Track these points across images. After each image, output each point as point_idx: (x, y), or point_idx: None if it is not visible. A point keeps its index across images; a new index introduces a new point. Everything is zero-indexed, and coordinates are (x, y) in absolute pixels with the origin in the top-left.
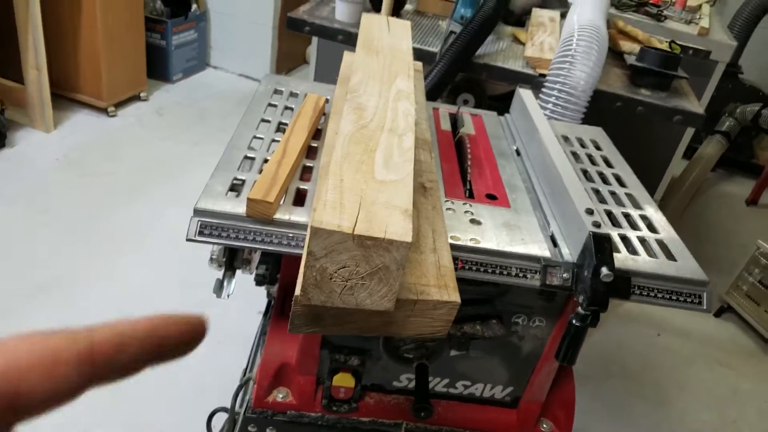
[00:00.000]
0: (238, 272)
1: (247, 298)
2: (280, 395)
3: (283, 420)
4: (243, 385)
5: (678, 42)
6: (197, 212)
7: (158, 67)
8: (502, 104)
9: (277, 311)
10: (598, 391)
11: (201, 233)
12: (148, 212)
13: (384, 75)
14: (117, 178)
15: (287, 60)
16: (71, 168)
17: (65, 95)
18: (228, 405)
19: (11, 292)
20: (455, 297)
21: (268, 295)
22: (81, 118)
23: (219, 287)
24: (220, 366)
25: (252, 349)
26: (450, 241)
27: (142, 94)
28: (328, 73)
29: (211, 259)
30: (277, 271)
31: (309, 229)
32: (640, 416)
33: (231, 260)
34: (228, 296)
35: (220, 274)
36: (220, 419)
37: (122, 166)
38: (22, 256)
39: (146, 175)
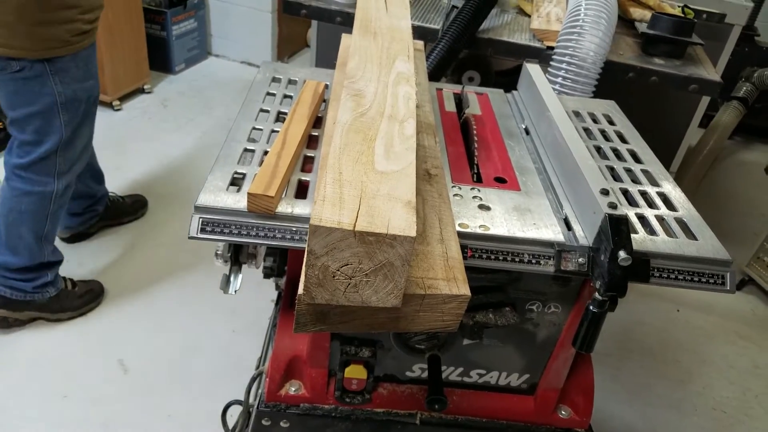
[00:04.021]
0: (245, 265)
1: (261, 286)
2: (292, 388)
3: (297, 413)
4: (256, 378)
5: (690, 6)
6: (198, 209)
7: (160, 58)
8: (510, 79)
9: (286, 304)
10: (616, 370)
11: (203, 230)
12: (160, 205)
13: (382, 58)
14: (127, 172)
15: (289, 44)
16: None
17: None
18: (243, 396)
19: None
20: (465, 290)
21: (277, 287)
22: None
23: (226, 283)
24: (235, 355)
25: (265, 339)
26: (458, 228)
27: (145, 87)
28: (329, 57)
29: (217, 255)
30: (284, 263)
31: (309, 227)
32: (660, 394)
33: (236, 255)
34: (235, 292)
35: (226, 269)
36: (235, 411)
37: (131, 160)
38: None
39: (156, 168)
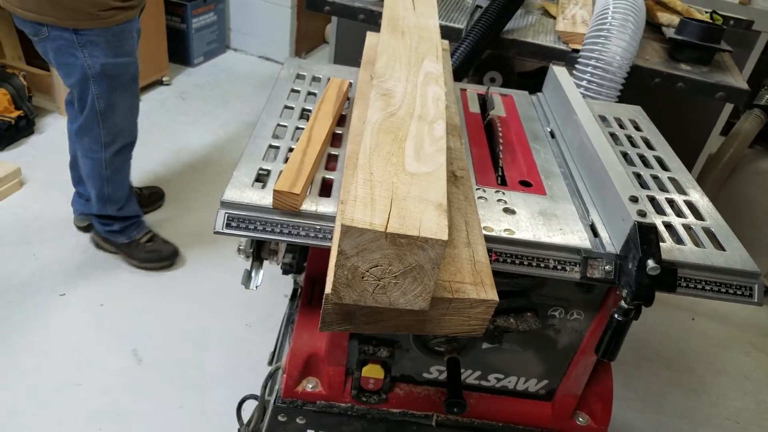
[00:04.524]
0: (265, 261)
1: (275, 281)
2: (309, 385)
3: (313, 410)
4: (272, 374)
5: (719, 12)
6: (224, 204)
7: (179, 51)
8: (531, 81)
9: (305, 301)
10: (630, 377)
11: (228, 225)
12: (175, 198)
13: (411, 57)
14: (144, 163)
15: (307, 40)
16: None
17: None
18: (256, 389)
19: (55, 277)
20: (492, 295)
21: (295, 283)
22: None
23: (247, 278)
24: (247, 349)
25: (279, 334)
26: (483, 232)
27: (164, 79)
28: (348, 53)
29: (239, 250)
30: (303, 260)
31: (339, 227)
32: (674, 403)
33: (258, 251)
34: (256, 287)
35: (248, 264)
36: (249, 406)
37: (148, 152)
38: (55, 240)
39: (172, 160)
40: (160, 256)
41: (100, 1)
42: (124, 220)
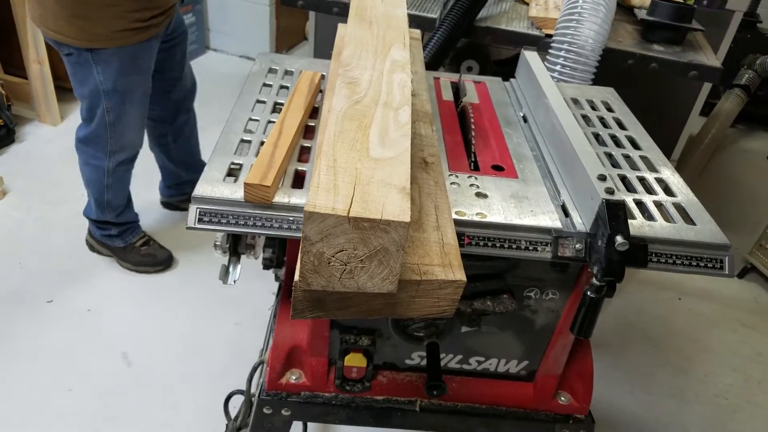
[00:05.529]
0: (247, 257)
1: (263, 278)
2: (293, 377)
3: (298, 401)
4: (256, 367)
5: None
6: (195, 199)
7: None
8: (508, 69)
9: (285, 294)
10: (618, 358)
11: (201, 221)
12: (158, 201)
13: (378, 46)
14: None
15: (287, 37)
16: None
17: (69, 87)
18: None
19: (41, 284)
20: (460, 275)
21: (277, 278)
22: None
23: (225, 273)
24: (238, 347)
25: (267, 330)
26: (455, 216)
27: None
28: (328, 48)
29: (215, 246)
30: (283, 254)
31: (304, 213)
32: (662, 383)
33: (235, 246)
34: (234, 282)
35: (225, 260)
36: (237, 401)
37: None
38: (40, 248)
39: (154, 164)
40: (155, 261)
41: (116, 23)
42: (122, 225)
